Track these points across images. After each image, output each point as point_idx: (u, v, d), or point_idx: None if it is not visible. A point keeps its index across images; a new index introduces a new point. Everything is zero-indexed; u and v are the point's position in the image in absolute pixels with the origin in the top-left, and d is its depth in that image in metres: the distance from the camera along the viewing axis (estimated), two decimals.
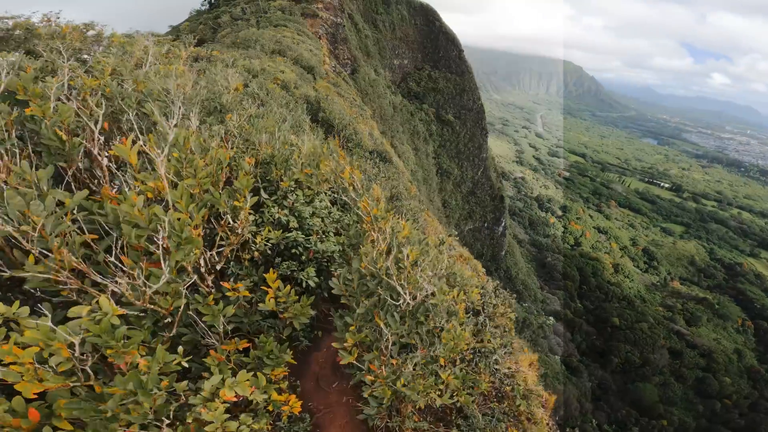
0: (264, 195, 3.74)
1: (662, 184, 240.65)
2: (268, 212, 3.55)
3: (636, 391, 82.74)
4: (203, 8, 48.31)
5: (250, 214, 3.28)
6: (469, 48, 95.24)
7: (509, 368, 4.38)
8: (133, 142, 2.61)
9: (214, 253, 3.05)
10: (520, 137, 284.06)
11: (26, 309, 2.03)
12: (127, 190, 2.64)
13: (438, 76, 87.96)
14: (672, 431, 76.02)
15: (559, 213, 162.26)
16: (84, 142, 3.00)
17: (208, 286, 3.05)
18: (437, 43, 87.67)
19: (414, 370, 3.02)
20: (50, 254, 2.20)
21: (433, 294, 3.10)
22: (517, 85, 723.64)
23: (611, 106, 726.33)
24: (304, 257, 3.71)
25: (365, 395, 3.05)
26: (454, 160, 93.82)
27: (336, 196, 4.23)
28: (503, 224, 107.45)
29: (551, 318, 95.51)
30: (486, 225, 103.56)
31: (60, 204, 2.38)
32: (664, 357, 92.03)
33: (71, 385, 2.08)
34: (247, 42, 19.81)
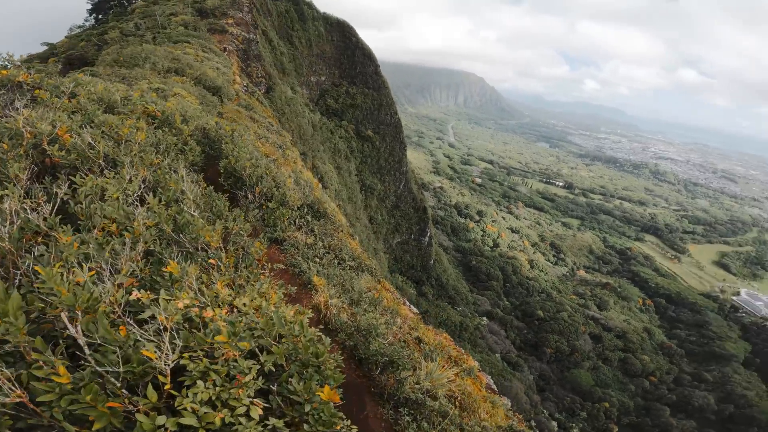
0: None
1: (557, 183, 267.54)
2: None
3: (573, 378, 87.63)
4: (87, 24, 42.69)
5: None
6: (383, 63, 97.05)
7: None
8: None
9: None
10: (435, 148, 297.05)
11: None
12: None
13: (356, 92, 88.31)
14: (615, 412, 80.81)
15: (477, 218, 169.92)
16: None
17: None
18: (354, 59, 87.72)
19: None
20: None
21: None
22: (429, 98, 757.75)
23: (510, 114, 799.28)
24: None
25: None
26: (377, 175, 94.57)
27: None
28: (428, 234, 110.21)
29: (484, 318, 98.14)
30: (413, 237, 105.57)
31: None
32: (587, 342, 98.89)
33: None
34: (134, 60, 16.42)
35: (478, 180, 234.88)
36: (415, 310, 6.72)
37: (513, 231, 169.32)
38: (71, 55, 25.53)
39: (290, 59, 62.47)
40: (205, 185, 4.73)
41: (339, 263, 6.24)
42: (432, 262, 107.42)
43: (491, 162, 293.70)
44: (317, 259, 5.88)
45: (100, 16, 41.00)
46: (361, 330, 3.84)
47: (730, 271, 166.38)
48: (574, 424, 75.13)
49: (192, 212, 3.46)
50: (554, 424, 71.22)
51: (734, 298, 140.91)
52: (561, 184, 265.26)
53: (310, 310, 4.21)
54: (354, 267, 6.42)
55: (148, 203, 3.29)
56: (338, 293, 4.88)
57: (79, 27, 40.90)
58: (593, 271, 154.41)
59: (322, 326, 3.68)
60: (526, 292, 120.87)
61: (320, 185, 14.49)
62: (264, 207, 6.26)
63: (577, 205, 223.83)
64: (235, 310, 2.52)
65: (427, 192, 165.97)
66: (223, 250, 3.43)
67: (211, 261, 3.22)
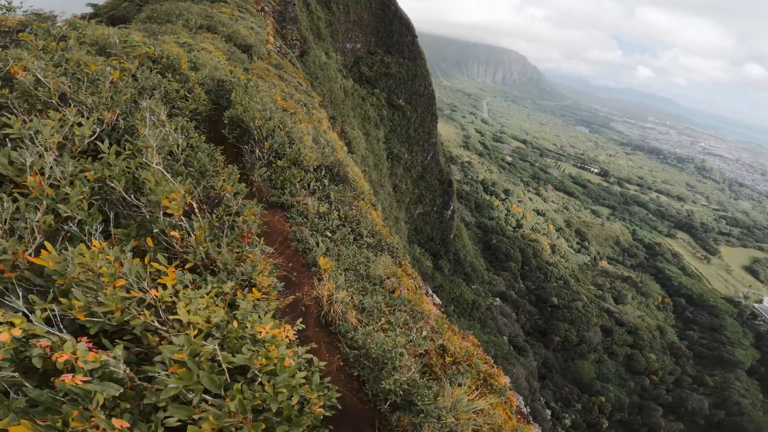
0: None
1: (592, 169, 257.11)
2: None
3: (576, 368, 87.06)
4: None
5: None
6: (420, 34, 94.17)
7: None
8: None
9: None
10: (467, 123, 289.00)
11: None
12: None
13: (390, 61, 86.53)
14: (609, 407, 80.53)
15: (503, 196, 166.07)
16: None
17: None
18: (391, 28, 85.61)
19: None
20: None
21: None
22: (466, 72, 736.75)
23: (550, 95, 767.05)
24: None
25: None
26: (405, 144, 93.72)
27: None
28: (452, 208, 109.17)
29: (497, 299, 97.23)
30: (435, 209, 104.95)
31: None
32: (597, 334, 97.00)
33: None
34: (168, 16, 16.48)
35: (509, 158, 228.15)
36: (437, 300, 5.87)
37: (538, 213, 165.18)
38: (113, 15, 25.34)
39: (327, 24, 61.65)
40: (197, 134, 3.87)
41: (355, 239, 5.37)
42: (452, 236, 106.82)
43: (524, 141, 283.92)
44: (329, 233, 5.02)
45: None
46: (371, 356, 2.95)
47: (759, 277, 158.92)
48: (567, 415, 75.46)
49: (157, 165, 2.60)
50: (548, 412, 71.60)
51: (756, 305, 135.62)
52: (596, 170, 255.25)
53: (310, 303, 3.38)
54: (372, 245, 5.55)
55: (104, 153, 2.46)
56: (349, 281, 4.03)
57: None
58: (616, 263, 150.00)
59: (315, 331, 2.84)
60: (544, 277, 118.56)
61: (345, 148, 13.53)
62: (273, 165, 5.39)
63: (610, 193, 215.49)
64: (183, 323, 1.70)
65: (454, 165, 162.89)
66: (201, 217, 2.60)
67: (173, 234, 2.39)
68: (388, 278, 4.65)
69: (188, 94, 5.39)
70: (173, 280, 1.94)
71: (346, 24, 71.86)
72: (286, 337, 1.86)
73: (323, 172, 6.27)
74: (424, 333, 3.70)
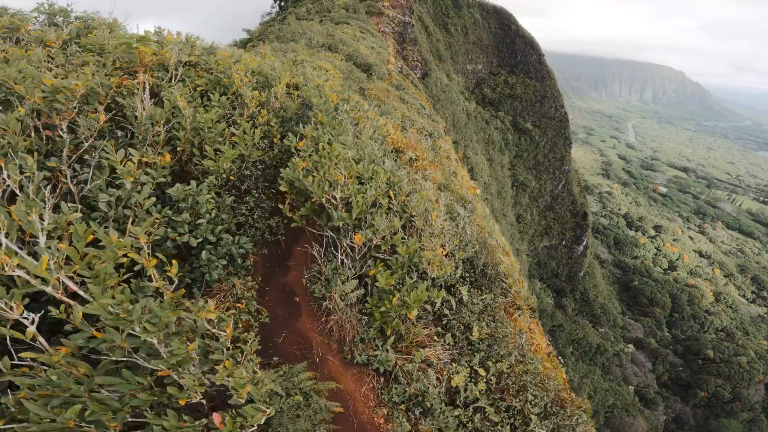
0: None
1: None
2: None
3: (718, 427, 74.43)
4: (273, 10, 50.91)
5: None
6: (546, 52, 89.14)
7: None
8: None
9: None
10: (607, 147, 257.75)
11: None
12: None
13: (515, 81, 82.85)
14: None
15: (652, 233, 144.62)
16: None
17: None
18: (514, 47, 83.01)
19: None
20: None
21: None
22: (605, 92, 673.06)
23: (721, 114, 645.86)
24: None
25: None
26: (532, 171, 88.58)
27: None
28: (584, 243, 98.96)
29: (631, 346, 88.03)
30: (564, 243, 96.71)
31: None
32: (759, 393, 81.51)
33: None
34: (293, 36, 17.83)
35: (663, 189, 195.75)
36: None
37: (701, 255, 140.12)
38: (261, 38, 29.40)
39: (446, 46, 62.87)
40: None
41: (512, 428, 2.52)
42: (582, 273, 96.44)
43: (685, 169, 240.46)
44: None
45: (282, 3, 45.60)
46: None
47: None
48: None
49: None
50: None
51: None
52: None
53: None
54: None
55: None
56: None
57: (269, 14, 47.90)
58: None
59: None
60: (699, 327, 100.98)
61: (478, 191, 10.53)
62: (371, 272, 2.85)
63: None
64: None
65: (590, 196, 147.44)
66: None
67: None
68: None
69: (237, 128, 3.38)
70: None
71: (466, 45, 71.47)
72: None
73: (459, 271, 3.59)
74: None
